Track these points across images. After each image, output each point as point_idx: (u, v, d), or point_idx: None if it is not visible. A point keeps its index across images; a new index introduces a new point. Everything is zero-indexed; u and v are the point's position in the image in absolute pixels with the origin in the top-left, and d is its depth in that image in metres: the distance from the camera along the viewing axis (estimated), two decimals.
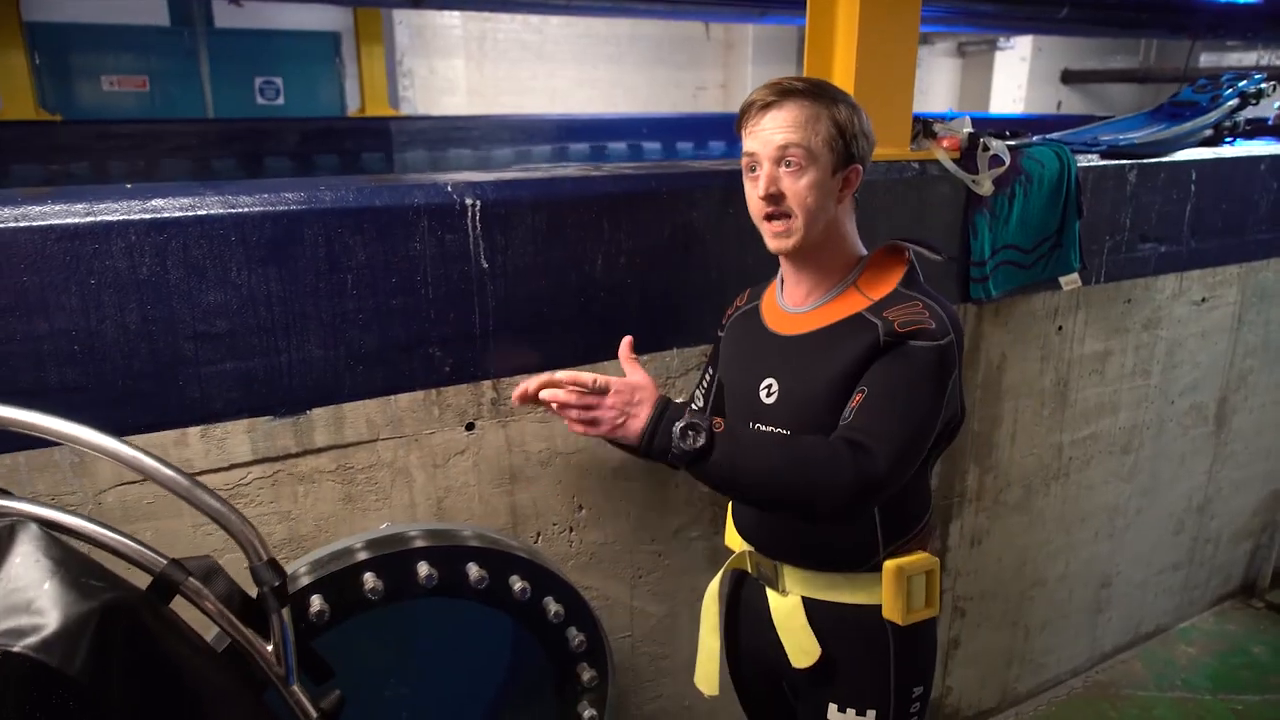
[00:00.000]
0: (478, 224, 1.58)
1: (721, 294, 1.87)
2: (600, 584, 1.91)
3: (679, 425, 1.23)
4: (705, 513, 2.00)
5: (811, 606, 1.47)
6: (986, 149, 2.08)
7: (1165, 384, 2.85)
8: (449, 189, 1.56)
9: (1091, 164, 2.37)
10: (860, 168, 1.38)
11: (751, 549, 1.55)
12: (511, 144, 7.05)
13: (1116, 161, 2.43)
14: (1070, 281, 2.34)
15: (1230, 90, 2.66)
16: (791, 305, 1.46)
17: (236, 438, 1.47)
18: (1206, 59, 9.75)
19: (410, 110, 8.44)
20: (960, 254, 2.19)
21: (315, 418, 1.53)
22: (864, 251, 1.45)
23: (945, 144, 2.07)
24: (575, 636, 1.72)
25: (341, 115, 8.07)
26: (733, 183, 1.84)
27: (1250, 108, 2.73)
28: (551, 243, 1.66)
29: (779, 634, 1.49)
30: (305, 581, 1.48)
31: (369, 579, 1.51)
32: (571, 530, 1.85)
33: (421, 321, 1.58)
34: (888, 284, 1.38)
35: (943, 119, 2.12)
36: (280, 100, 8.25)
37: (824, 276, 1.42)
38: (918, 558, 1.43)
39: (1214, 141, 2.71)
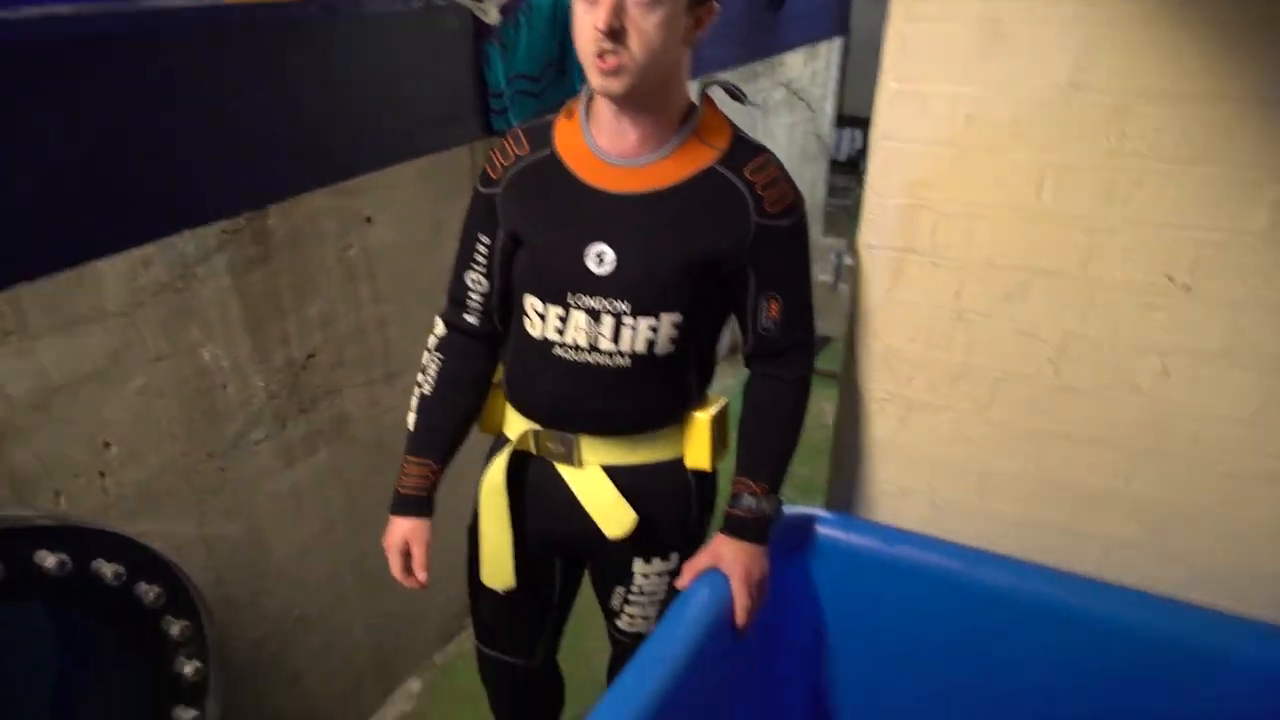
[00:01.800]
0: None
1: (228, 155, 1.58)
2: (160, 525, 1.61)
3: (759, 512, 1.34)
4: (265, 410, 1.77)
5: (614, 474, 1.37)
6: None
7: None
8: None
9: None
10: (716, 4, 1.18)
11: (539, 428, 1.38)
12: None
13: None
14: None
15: None
16: (619, 155, 1.23)
17: None
18: None
19: None
20: (476, 86, 2.13)
21: None
22: (691, 96, 1.27)
23: None
24: (148, 592, 1.44)
25: None
26: (220, 23, 1.52)
27: None
28: None
29: (588, 509, 1.37)
30: None
31: None
32: (103, 475, 1.50)
33: None
34: (723, 130, 1.25)
35: None
36: None
37: (660, 125, 1.21)
38: (716, 401, 1.41)
39: None
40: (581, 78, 2.44)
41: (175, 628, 1.49)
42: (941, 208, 1.46)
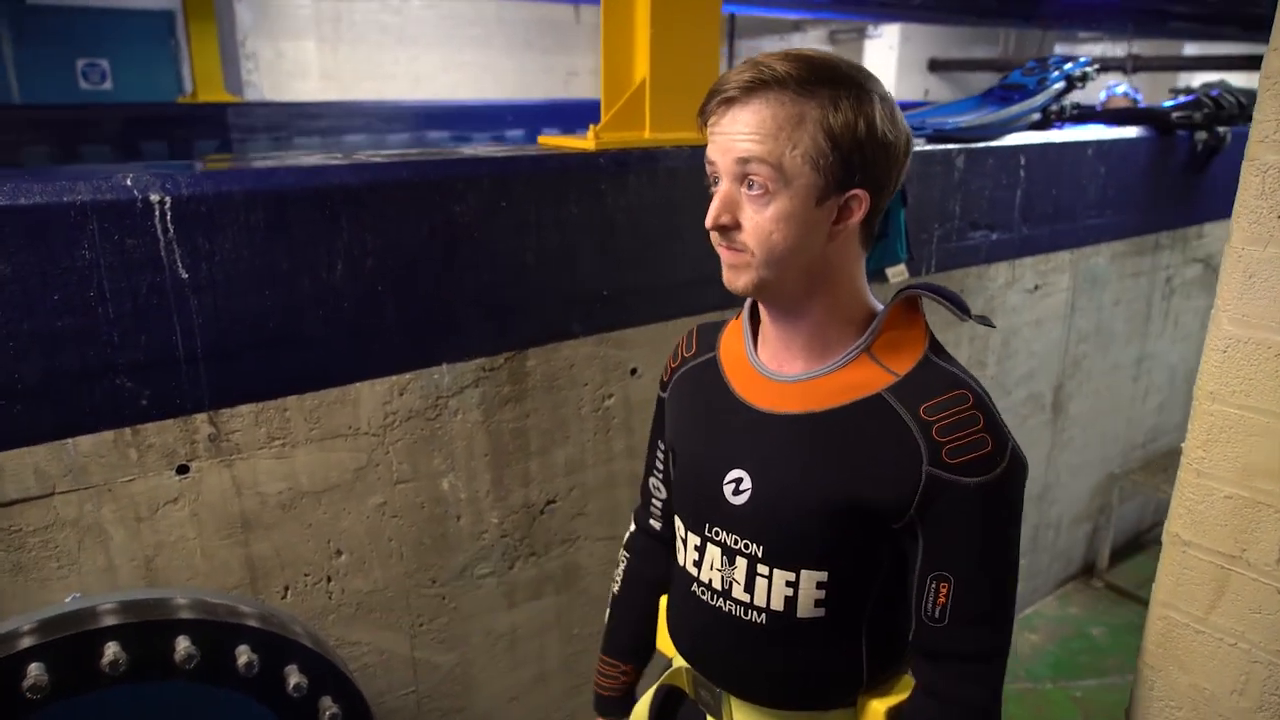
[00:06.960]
0: (169, 225, 1.29)
1: (495, 297, 1.64)
2: (371, 637, 1.66)
3: None
4: (495, 547, 1.77)
5: None
6: None
7: (1001, 374, 2.79)
8: (127, 183, 1.27)
9: (917, 149, 2.25)
10: (864, 193, 0.93)
11: (689, 667, 1.19)
12: (366, 131, 6.62)
13: (943, 146, 2.32)
14: (897, 273, 2.21)
15: (1057, 73, 2.60)
16: (774, 368, 1.04)
17: None
18: (1061, 49, 10.11)
19: (257, 96, 7.86)
20: None
21: None
22: (875, 302, 1.03)
23: None
24: (328, 707, 1.47)
25: (171, 101, 7.45)
26: (504, 171, 1.61)
27: (1077, 91, 2.68)
28: (274, 245, 1.39)
29: None
30: None
31: (34, 672, 1.21)
32: (329, 580, 1.59)
33: (101, 346, 1.28)
34: (911, 349, 0.99)
35: None
36: (107, 84, 7.53)
37: (820, 334, 1.00)
38: (904, 687, 1.09)
39: (1042, 126, 2.65)
40: (906, 245, 2.22)
41: None
42: None
